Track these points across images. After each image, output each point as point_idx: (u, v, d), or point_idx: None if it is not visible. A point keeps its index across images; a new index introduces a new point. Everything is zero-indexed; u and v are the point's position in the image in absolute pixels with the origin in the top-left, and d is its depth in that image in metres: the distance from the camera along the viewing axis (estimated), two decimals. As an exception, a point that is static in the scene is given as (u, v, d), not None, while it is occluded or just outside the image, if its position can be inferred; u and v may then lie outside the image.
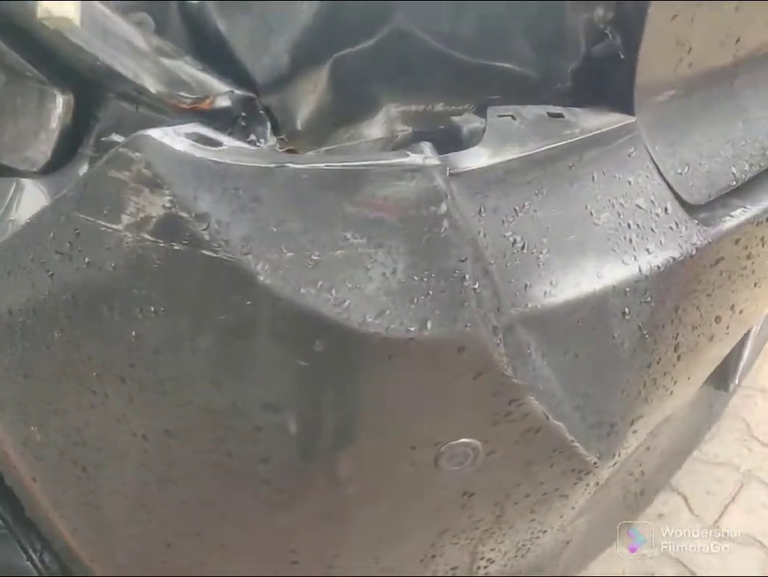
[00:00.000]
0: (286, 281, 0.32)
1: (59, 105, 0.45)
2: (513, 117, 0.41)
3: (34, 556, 0.64)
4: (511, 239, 0.39)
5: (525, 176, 0.40)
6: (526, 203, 0.40)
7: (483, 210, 0.38)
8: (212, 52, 0.46)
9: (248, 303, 0.32)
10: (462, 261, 0.34)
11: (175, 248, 0.32)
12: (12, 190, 0.49)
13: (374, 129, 0.47)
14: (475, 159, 0.38)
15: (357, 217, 0.32)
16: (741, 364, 0.73)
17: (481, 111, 0.45)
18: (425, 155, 0.33)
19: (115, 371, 0.37)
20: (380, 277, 0.33)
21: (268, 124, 0.45)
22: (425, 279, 0.33)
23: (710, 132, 0.49)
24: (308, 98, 0.47)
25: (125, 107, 0.46)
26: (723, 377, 0.75)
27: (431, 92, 0.47)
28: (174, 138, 0.31)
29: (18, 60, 0.45)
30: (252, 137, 0.45)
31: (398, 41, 0.47)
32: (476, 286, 0.34)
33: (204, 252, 0.31)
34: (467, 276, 0.34)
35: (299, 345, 0.33)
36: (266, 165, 0.31)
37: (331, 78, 0.47)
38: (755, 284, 0.54)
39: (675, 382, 0.50)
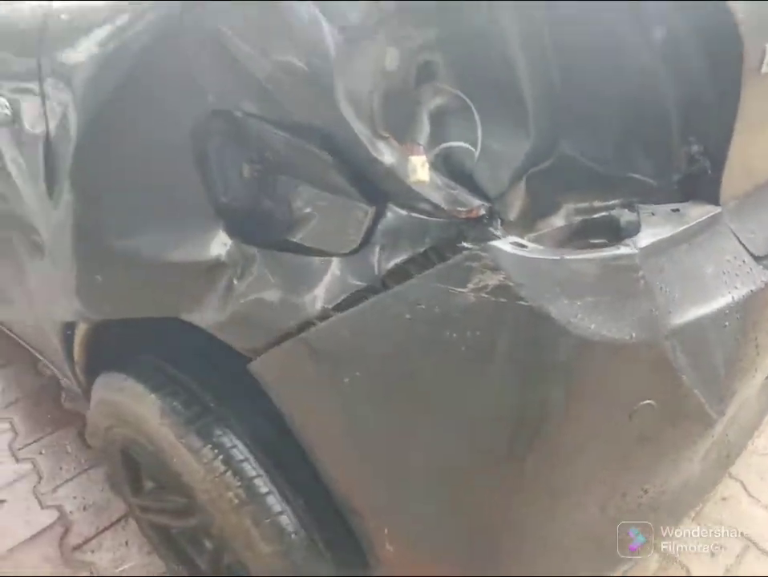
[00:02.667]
0: (561, 316, 0.60)
1: (368, 214, 0.74)
2: (653, 213, 0.70)
3: (288, 508, 0.91)
4: (659, 286, 0.68)
5: (665, 250, 0.68)
6: (665, 265, 0.68)
7: (645, 269, 0.67)
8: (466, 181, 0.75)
9: (531, 325, 0.61)
10: (650, 300, 0.62)
11: (501, 300, 0.61)
12: (330, 266, 0.77)
13: (558, 219, 0.76)
14: (644, 240, 0.66)
15: (592, 281, 0.61)
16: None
17: (628, 206, 0.74)
18: (630, 249, 0.62)
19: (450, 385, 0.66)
20: (607, 311, 0.61)
21: (499, 221, 0.75)
22: (628, 310, 0.62)
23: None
24: (515, 203, 0.76)
25: (399, 212, 0.74)
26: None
27: (591, 194, 0.76)
28: (505, 244, 0.60)
29: (342, 182, 0.72)
30: (490, 228, 0.74)
31: (565, 161, 0.76)
32: (656, 311, 0.63)
33: (519, 301, 0.60)
34: (653, 309, 0.63)
35: (566, 355, 0.62)
36: (551, 258, 0.60)
37: (527, 187, 0.76)
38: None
39: (756, 371, 0.78)
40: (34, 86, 0.80)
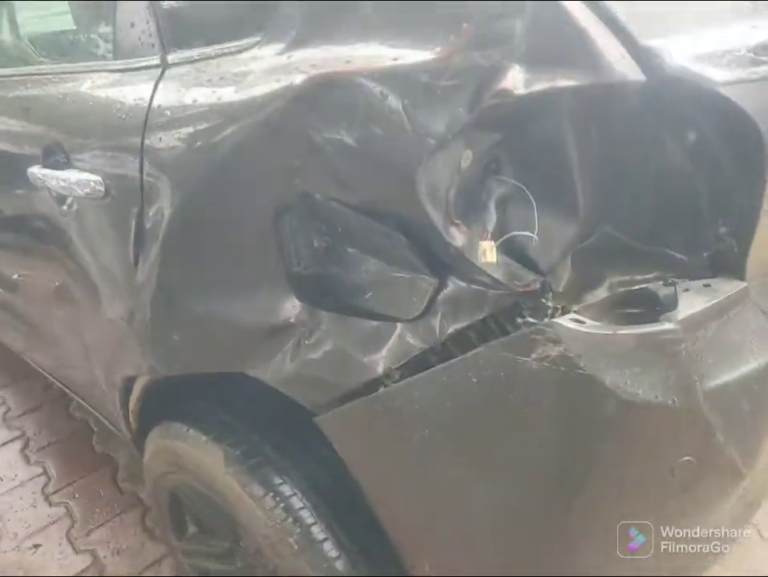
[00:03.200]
0: (613, 383, 0.69)
1: (431, 285, 0.83)
2: (687, 289, 0.80)
3: (343, 553, 0.98)
4: (697, 355, 0.77)
5: (701, 322, 0.77)
6: (702, 336, 0.77)
7: (682, 339, 0.76)
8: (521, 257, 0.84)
9: (587, 391, 0.69)
10: (690, 368, 0.71)
11: (561, 369, 0.69)
12: (395, 329, 0.86)
13: (601, 291, 0.85)
14: (682, 314, 0.75)
15: (640, 353, 0.70)
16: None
17: (664, 281, 0.83)
18: (673, 324, 0.70)
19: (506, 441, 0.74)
20: (652, 379, 0.70)
21: (550, 293, 0.84)
22: (671, 378, 0.70)
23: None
24: (563, 276, 0.85)
25: (459, 284, 0.83)
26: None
27: (630, 268, 0.85)
28: (565, 321, 0.69)
29: (413, 259, 0.82)
30: (543, 300, 0.83)
31: (606, 238, 0.85)
32: (695, 377, 0.71)
33: (577, 370, 0.69)
34: (692, 376, 0.71)
35: (617, 417, 0.70)
36: (605, 332, 0.69)
37: (572, 262, 0.85)
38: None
39: (778, 427, 0.86)
40: (133, 168, 0.90)
